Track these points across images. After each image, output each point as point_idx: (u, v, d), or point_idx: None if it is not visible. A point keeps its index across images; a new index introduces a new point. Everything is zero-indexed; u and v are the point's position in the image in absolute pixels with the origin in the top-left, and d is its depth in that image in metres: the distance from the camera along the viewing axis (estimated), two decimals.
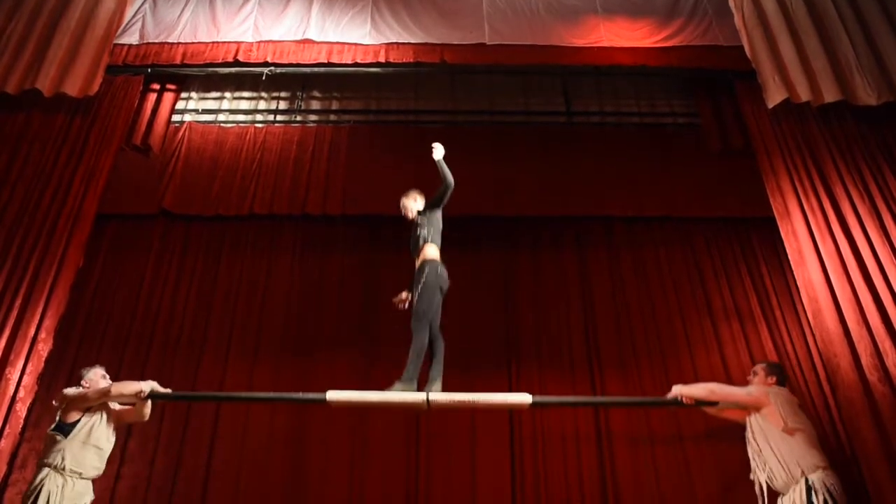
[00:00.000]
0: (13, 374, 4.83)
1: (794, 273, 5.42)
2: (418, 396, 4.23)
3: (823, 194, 5.55)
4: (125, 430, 5.39)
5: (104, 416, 4.43)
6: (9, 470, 4.94)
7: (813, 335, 5.30)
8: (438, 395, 4.29)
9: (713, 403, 4.43)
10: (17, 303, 5.11)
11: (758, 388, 4.32)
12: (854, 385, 4.65)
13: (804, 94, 5.86)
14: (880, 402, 4.50)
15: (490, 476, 5.43)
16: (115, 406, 4.54)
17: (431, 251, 4.82)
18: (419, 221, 4.97)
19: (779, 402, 4.11)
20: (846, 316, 4.90)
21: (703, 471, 5.37)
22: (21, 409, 4.84)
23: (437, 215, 5.00)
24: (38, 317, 5.12)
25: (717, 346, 5.94)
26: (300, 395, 4.90)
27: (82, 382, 4.51)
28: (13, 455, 4.96)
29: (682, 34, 7.11)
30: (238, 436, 5.56)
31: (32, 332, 5.05)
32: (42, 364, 5.07)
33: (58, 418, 4.33)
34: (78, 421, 4.31)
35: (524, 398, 4.39)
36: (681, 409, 5.47)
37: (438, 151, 4.88)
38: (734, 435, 4.97)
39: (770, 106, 5.94)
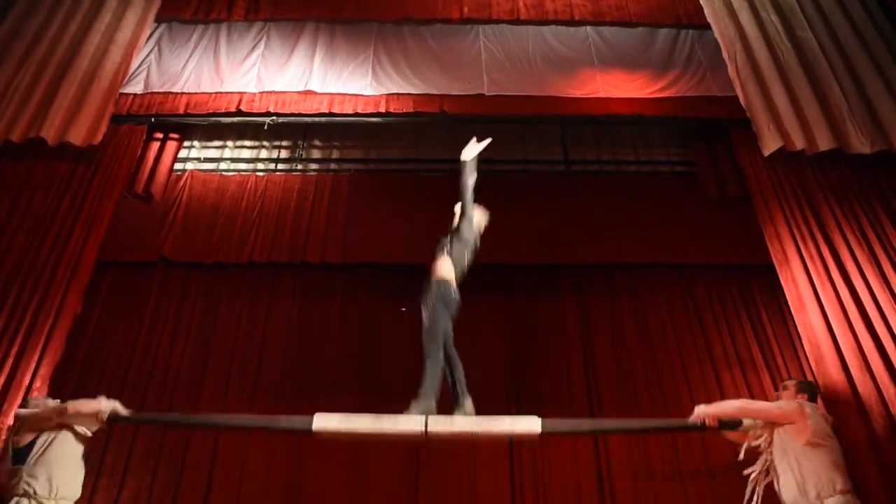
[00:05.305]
0: (5, 424, 4.75)
1: (795, 319, 5.40)
2: (415, 426, 3.82)
3: (821, 241, 5.57)
4: (123, 467, 5.41)
5: (68, 435, 4.06)
6: None
7: (815, 382, 5.24)
8: (437, 425, 3.86)
9: (737, 424, 4.01)
10: (14, 350, 5.06)
11: (789, 402, 3.97)
12: (858, 432, 4.59)
13: (799, 143, 5.94)
14: (887, 450, 4.43)
15: None
16: (81, 430, 4.13)
17: (440, 267, 4.42)
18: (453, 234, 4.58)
19: (811, 417, 3.76)
20: (849, 362, 4.87)
21: None
22: None
23: (466, 229, 4.52)
24: (33, 364, 5.07)
25: (718, 394, 5.82)
26: (283, 420, 4.36)
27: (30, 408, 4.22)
28: None
29: (677, 85, 7.25)
30: (236, 471, 5.48)
31: (28, 380, 4.99)
32: None
33: (10, 450, 3.98)
34: (33, 443, 3.96)
35: (533, 424, 3.92)
36: (680, 442, 5.49)
37: (468, 151, 4.48)
38: (734, 470, 4.88)
39: (766, 154, 6.01)
